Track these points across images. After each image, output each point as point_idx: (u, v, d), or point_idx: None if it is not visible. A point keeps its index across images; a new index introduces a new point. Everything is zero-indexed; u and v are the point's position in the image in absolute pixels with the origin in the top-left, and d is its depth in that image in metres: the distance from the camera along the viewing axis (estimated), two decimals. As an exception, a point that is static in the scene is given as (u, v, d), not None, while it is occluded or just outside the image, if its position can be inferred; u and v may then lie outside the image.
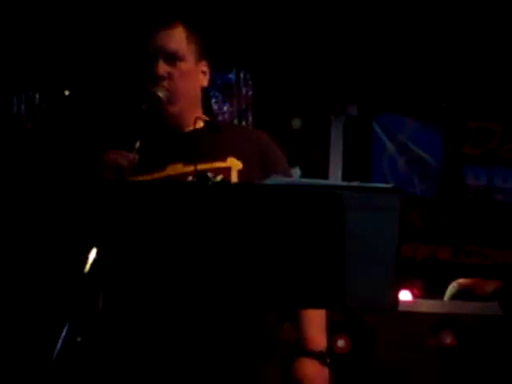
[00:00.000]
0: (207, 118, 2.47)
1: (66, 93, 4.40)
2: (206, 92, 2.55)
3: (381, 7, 4.39)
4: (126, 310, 2.18)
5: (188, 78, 2.39)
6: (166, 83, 2.32)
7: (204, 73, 2.46)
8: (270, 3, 4.35)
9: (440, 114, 4.79)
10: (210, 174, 2.15)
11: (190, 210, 1.69)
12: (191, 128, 2.40)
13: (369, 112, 4.80)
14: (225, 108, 4.58)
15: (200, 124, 2.42)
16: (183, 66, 2.37)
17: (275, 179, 1.98)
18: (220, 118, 4.46)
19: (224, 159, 2.35)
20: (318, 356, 2.32)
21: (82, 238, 1.90)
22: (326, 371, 2.31)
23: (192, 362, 2.16)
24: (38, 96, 4.44)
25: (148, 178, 2.29)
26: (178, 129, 2.41)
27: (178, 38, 2.40)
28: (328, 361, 2.33)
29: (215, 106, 4.44)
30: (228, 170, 2.34)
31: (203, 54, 2.45)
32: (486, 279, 4.74)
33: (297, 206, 1.68)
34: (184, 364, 2.17)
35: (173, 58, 2.36)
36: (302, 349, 2.32)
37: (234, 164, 2.35)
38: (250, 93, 4.66)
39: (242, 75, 4.65)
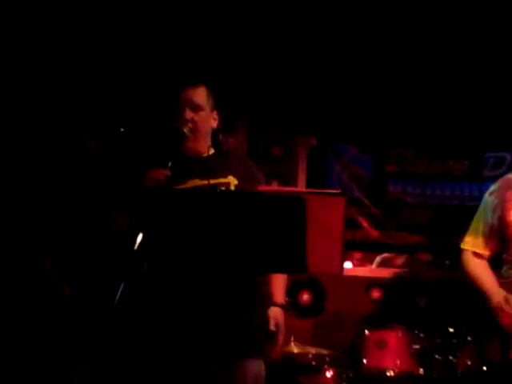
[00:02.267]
0: (213, 149, 2.49)
1: (122, 129, 4.40)
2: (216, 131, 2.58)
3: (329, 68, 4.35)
4: (161, 273, 2.18)
5: (204, 121, 2.42)
6: (190, 124, 2.35)
7: (214, 119, 2.48)
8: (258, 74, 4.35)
9: (371, 144, 4.81)
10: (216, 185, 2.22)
11: (205, 208, 1.72)
12: (204, 155, 2.42)
13: (324, 143, 4.82)
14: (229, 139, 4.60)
15: (210, 151, 2.43)
16: (202, 114, 2.41)
17: (262, 187, 2.02)
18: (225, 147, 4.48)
19: (226, 176, 2.38)
20: (281, 306, 2.39)
21: (133, 226, 1.91)
22: (283, 314, 2.40)
23: (206, 304, 2.17)
24: (102, 132, 4.44)
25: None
26: (195, 155, 2.42)
27: (201, 95, 2.43)
28: (286, 310, 2.46)
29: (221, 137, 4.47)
30: (228, 183, 2.37)
31: (215, 106, 2.47)
32: (399, 253, 4.77)
33: (273, 205, 1.71)
34: (199, 305, 2.19)
35: (196, 108, 2.38)
36: (272, 302, 2.39)
37: (232, 180, 2.39)
38: (244, 131, 4.69)
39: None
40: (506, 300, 2.34)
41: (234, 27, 3.96)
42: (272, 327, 2.31)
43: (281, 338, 2.36)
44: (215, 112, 2.48)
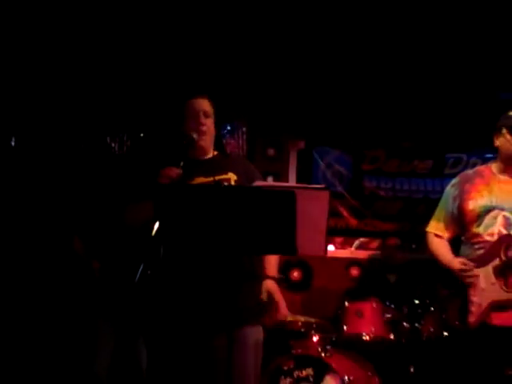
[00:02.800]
0: (216, 151, 2.48)
1: (141, 135, 4.38)
2: (219, 134, 2.55)
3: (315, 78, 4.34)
4: (175, 255, 2.18)
5: (211, 127, 2.38)
6: (204, 128, 2.32)
7: (214, 126, 2.45)
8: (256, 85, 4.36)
9: (350, 147, 4.81)
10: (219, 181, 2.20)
11: (211, 201, 1.71)
12: (209, 156, 2.41)
13: (311, 146, 4.81)
14: (231, 141, 4.61)
15: (214, 153, 2.42)
16: (211, 120, 2.37)
17: (259, 183, 2.00)
18: (228, 148, 4.47)
19: (226, 173, 2.35)
20: (274, 279, 2.36)
21: (150, 215, 1.90)
22: (276, 285, 2.35)
23: (211, 279, 2.17)
24: (125, 136, 4.43)
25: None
26: (202, 156, 2.40)
27: (209, 104, 2.39)
28: (278, 281, 2.42)
29: (224, 141, 4.46)
30: (229, 179, 2.33)
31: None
32: (374, 238, 4.79)
33: (269, 197, 1.71)
34: (206, 281, 2.18)
35: (207, 115, 2.35)
36: (266, 275, 2.36)
37: (232, 176, 2.34)
38: (244, 136, 4.69)
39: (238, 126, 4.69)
40: (463, 262, 2.36)
41: (236, 45, 3.96)
42: (264, 298, 2.27)
43: (281, 304, 2.30)
44: (214, 120, 2.48)
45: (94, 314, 3.14)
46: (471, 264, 2.33)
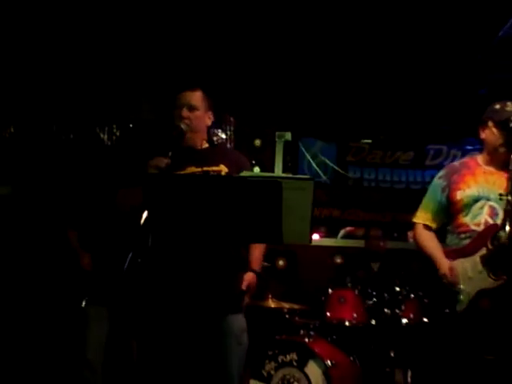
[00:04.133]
0: (207, 143, 2.44)
1: (131, 125, 4.32)
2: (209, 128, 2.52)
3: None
4: (163, 243, 2.16)
5: (198, 120, 2.35)
6: (186, 121, 2.28)
7: (209, 118, 2.41)
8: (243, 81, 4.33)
9: (335, 138, 4.81)
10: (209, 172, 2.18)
11: (198, 190, 1.69)
12: (199, 147, 2.37)
13: (297, 137, 4.79)
14: (222, 136, 4.60)
15: (205, 145, 2.38)
16: (197, 113, 2.34)
17: (245, 173, 1.98)
18: (216, 139, 4.46)
19: (217, 165, 2.33)
20: (255, 271, 2.40)
21: (139, 204, 1.87)
22: (256, 278, 2.40)
23: (197, 268, 2.16)
24: (114, 126, 4.37)
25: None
26: (192, 147, 2.37)
27: (197, 97, 2.35)
28: (259, 275, 2.47)
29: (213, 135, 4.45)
30: (220, 171, 2.32)
31: (210, 107, 2.40)
32: (358, 227, 4.80)
33: (255, 187, 1.69)
34: (192, 270, 2.16)
35: (192, 108, 2.32)
36: (249, 267, 2.39)
37: (223, 168, 2.33)
38: (231, 127, 4.67)
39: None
40: (450, 269, 2.31)
41: (223, 38, 3.93)
42: (243, 287, 2.31)
43: (249, 295, 2.38)
44: (210, 112, 2.41)
45: (84, 303, 3.11)
46: (455, 275, 2.27)
